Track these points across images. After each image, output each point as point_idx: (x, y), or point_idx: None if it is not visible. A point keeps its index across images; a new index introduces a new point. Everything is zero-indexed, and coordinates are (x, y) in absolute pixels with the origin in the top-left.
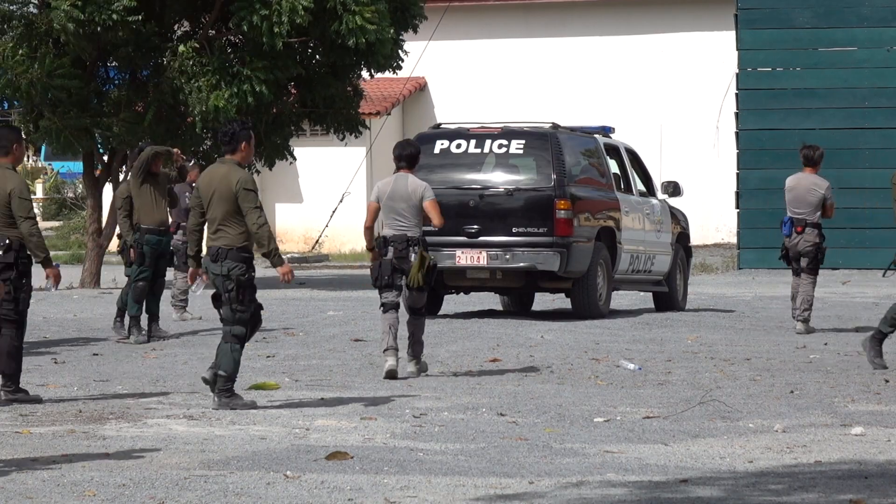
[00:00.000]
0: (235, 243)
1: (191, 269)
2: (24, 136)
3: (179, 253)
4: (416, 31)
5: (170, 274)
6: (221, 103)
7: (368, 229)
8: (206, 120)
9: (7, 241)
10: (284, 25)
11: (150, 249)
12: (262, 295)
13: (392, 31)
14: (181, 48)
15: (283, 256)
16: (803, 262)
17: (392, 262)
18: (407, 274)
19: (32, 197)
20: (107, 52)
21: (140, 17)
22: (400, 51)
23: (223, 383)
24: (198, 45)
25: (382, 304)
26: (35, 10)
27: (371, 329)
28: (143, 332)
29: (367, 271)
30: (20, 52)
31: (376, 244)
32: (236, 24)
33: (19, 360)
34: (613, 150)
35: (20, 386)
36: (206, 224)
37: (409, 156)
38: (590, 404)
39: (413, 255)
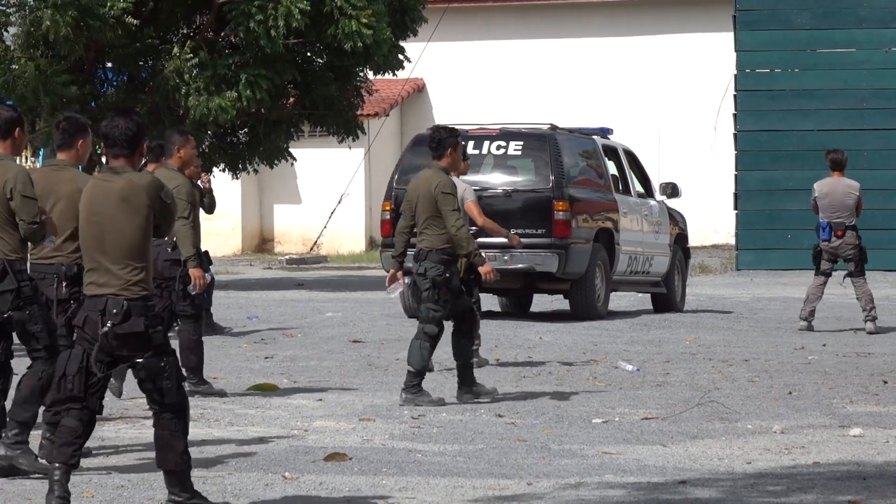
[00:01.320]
0: (436, 245)
1: (391, 271)
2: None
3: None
4: (415, 34)
5: None
6: (225, 104)
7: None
8: (203, 122)
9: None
10: (281, 29)
11: None
12: (260, 296)
13: (390, 32)
14: (176, 50)
15: (483, 256)
16: (850, 267)
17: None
18: None
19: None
20: (103, 54)
21: (137, 23)
22: (400, 55)
23: (410, 379)
24: (194, 47)
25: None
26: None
27: (369, 330)
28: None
29: (367, 273)
30: (18, 55)
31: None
32: (232, 29)
33: (200, 353)
34: (612, 152)
35: (203, 378)
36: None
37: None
38: (588, 405)
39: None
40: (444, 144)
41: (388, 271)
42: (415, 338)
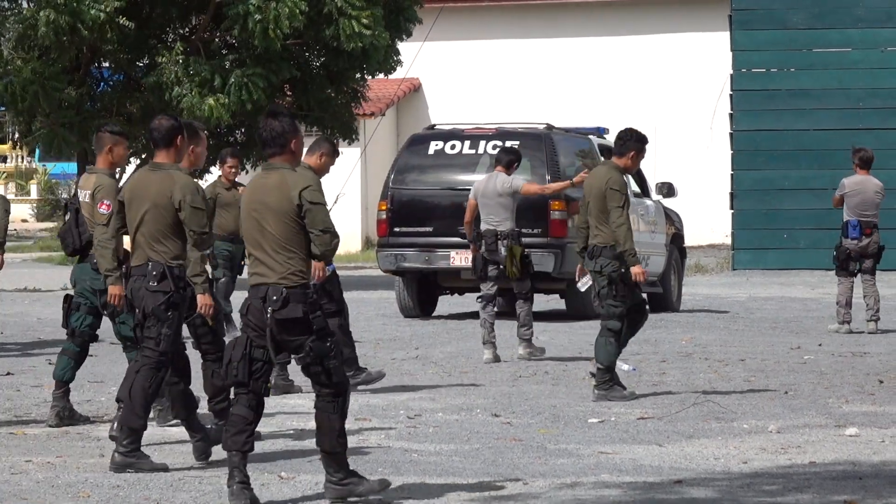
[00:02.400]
0: (608, 241)
1: (579, 266)
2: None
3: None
4: (409, 35)
5: None
6: (218, 111)
7: (468, 224)
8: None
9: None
10: (283, 26)
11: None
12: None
13: (387, 35)
14: (168, 53)
15: (637, 257)
16: (867, 264)
17: (483, 255)
18: (500, 265)
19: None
20: (98, 53)
21: (131, 25)
22: (395, 56)
23: (601, 376)
24: (187, 48)
25: (479, 297)
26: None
27: (365, 330)
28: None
29: (363, 272)
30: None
31: (474, 239)
32: (227, 28)
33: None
34: (608, 151)
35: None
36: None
37: (506, 158)
38: (584, 405)
39: (503, 248)
40: (629, 147)
41: (384, 271)
42: (599, 335)
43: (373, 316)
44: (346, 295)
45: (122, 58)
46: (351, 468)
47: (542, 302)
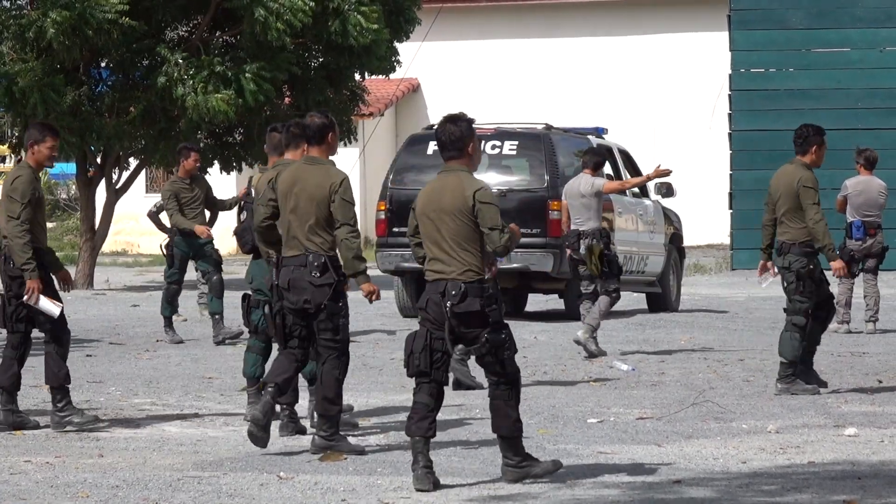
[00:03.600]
0: (798, 238)
1: (761, 262)
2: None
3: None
4: (408, 37)
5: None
6: (222, 106)
7: (564, 224)
8: (200, 122)
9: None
10: (296, 19)
11: (181, 253)
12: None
13: (387, 30)
14: (170, 54)
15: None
16: (870, 263)
17: (570, 256)
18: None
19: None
20: (98, 54)
21: (136, 24)
22: (394, 56)
23: (784, 370)
24: (189, 47)
25: (579, 297)
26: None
27: (364, 330)
28: (176, 333)
29: None
30: (14, 56)
31: (565, 240)
32: (232, 26)
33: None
34: (607, 151)
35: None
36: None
37: (592, 161)
38: (583, 405)
39: (583, 247)
40: (810, 142)
41: (383, 271)
42: (784, 330)
43: (372, 316)
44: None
45: (124, 57)
46: (526, 453)
47: (541, 302)
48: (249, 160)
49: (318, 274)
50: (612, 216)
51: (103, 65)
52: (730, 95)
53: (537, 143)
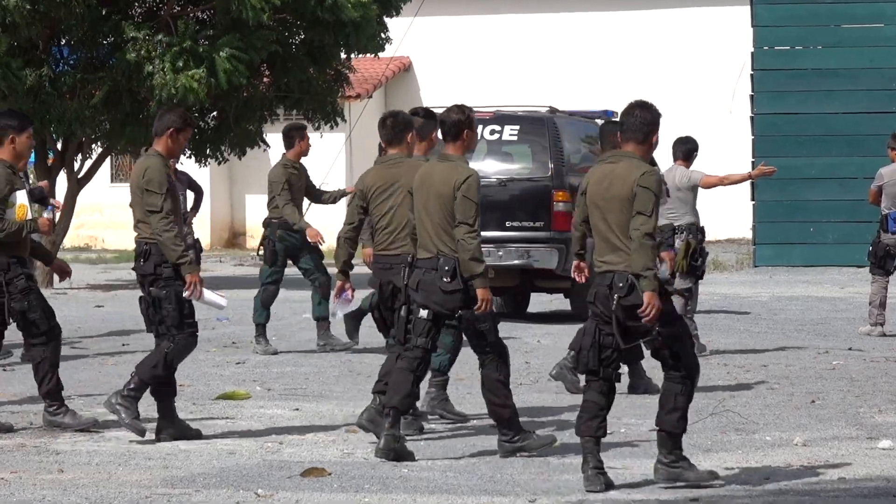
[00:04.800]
0: None
1: None
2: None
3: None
4: (398, 13)
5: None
6: (193, 85)
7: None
8: (169, 103)
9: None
10: None
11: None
12: (230, 296)
13: (376, 7)
14: (136, 31)
15: None
16: None
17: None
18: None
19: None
20: (60, 32)
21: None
22: (383, 34)
23: None
24: (155, 24)
25: (673, 289)
26: None
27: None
28: (269, 343)
29: None
30: None
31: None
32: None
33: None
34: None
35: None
36: None
37: (683, 149)
38: None
39: (679, 241)
40: None
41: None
42: None
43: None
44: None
45: (87, 35)
46: (680, 454)
47: (545, 301)
48: (225, 149)
49: (448, 279)
50: None
51: (63, 42)
52: (752, 75)
53: (540, 128)
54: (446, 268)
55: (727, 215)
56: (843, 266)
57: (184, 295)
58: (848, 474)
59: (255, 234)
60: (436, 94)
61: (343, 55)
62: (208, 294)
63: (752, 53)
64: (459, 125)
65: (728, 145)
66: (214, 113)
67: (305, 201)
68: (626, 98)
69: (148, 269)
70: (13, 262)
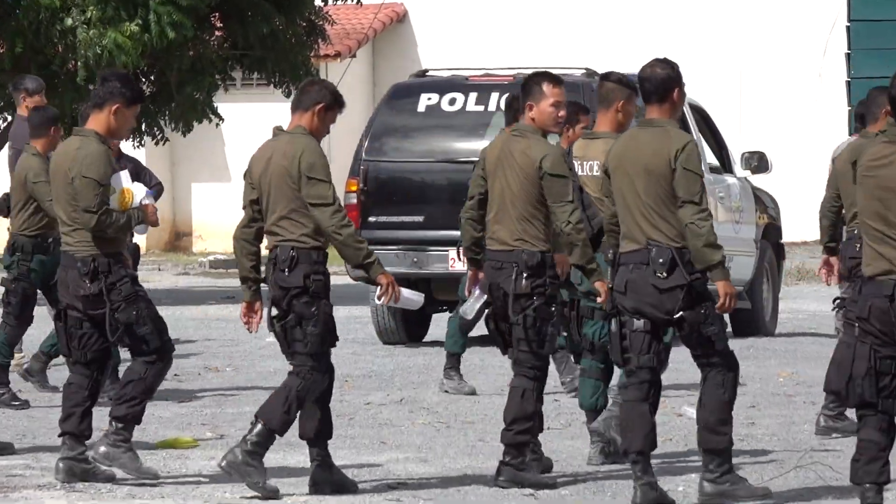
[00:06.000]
0: None
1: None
2: None
3: None
4: None
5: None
6: (126, 43)
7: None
8: (96, 66)
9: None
10: None
11: None
12: (173, 313)
13: None
14: None
15: None
16: None
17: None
18: None
19: None
20: None
21: None
22: None
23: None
24: None
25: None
26: None
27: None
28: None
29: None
30: None
31: None
32: None
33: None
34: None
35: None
36: None
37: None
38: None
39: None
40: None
41: (354, 279)
42: None
43: (340, 342)
44: None
45: None
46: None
47: None
48: (165, 124)
49: (665, 274)
50: None
51: None
52: (848, 27)
53: (574, 96)
54: (660, 259)
55: (816, 210)
56: None
57: (378, 301)
58: None
59: (203, 233)
60: (436, 52)
61: (318, 1)
62: (406, 293)
63: (849, 1)
64: (668, 82)
65: (816, 119)
66: (151, 77)
67: None
68: (685, 59)
69: (295, 280)
70: (114, 263)
